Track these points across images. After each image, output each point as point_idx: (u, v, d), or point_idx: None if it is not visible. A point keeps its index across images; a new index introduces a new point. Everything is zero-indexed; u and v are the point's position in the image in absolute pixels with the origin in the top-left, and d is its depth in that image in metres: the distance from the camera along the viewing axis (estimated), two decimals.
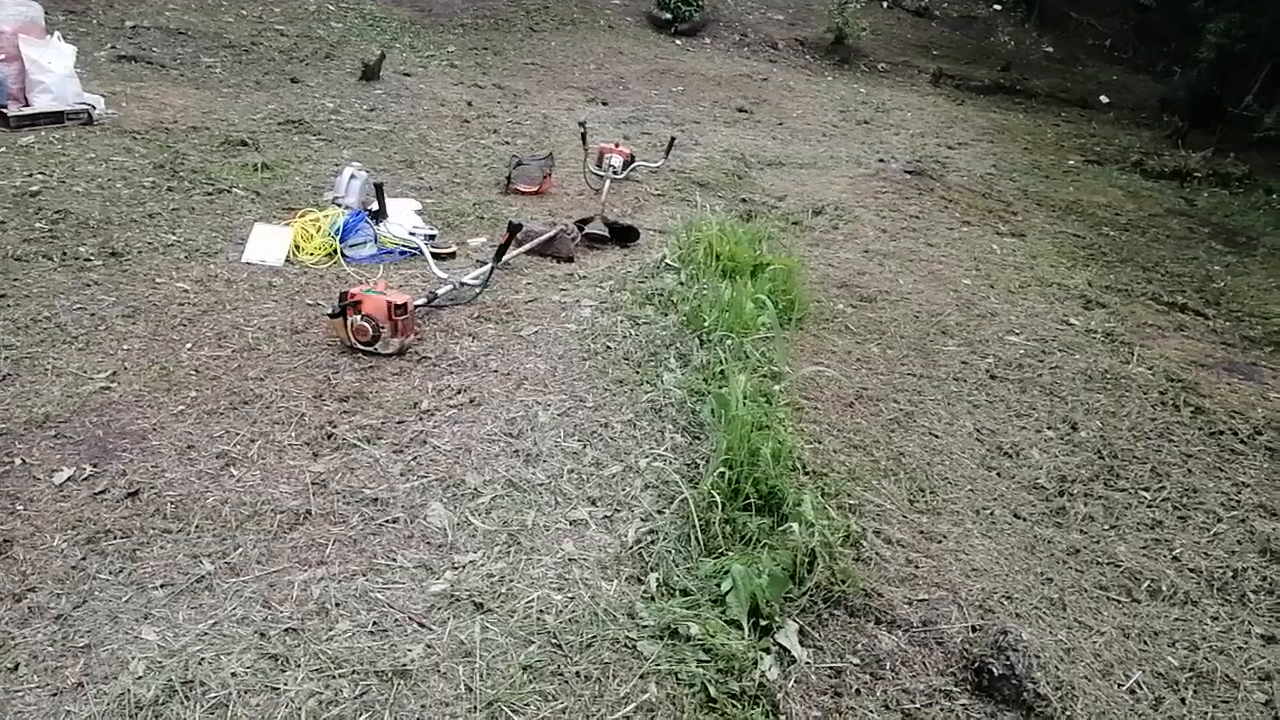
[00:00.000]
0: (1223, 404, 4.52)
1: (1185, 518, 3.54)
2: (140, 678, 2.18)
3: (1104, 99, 14.93)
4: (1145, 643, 2.84)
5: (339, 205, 5.19)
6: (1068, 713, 2.48)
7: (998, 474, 3.69)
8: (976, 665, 2.56)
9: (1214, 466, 3.94)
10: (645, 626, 2.53)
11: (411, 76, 9.64)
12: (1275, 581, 3.18)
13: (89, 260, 4.36)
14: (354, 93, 8.53)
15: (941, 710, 2.46)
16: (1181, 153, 11.26)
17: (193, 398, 3.40)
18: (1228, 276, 7.07)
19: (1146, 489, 3.70)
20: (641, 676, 2.37)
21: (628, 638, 2.48)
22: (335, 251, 4.81)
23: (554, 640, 2.45)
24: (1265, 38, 11.29)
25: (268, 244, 4.68)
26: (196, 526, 2.74)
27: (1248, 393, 4.74)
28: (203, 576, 2.54)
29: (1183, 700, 2.63)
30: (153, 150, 5.93)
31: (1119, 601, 3.02)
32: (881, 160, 9.17)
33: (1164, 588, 3.10)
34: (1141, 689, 2.64)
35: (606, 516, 2.99)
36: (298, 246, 4.78)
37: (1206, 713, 2.59)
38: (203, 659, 2.25)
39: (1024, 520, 3.40)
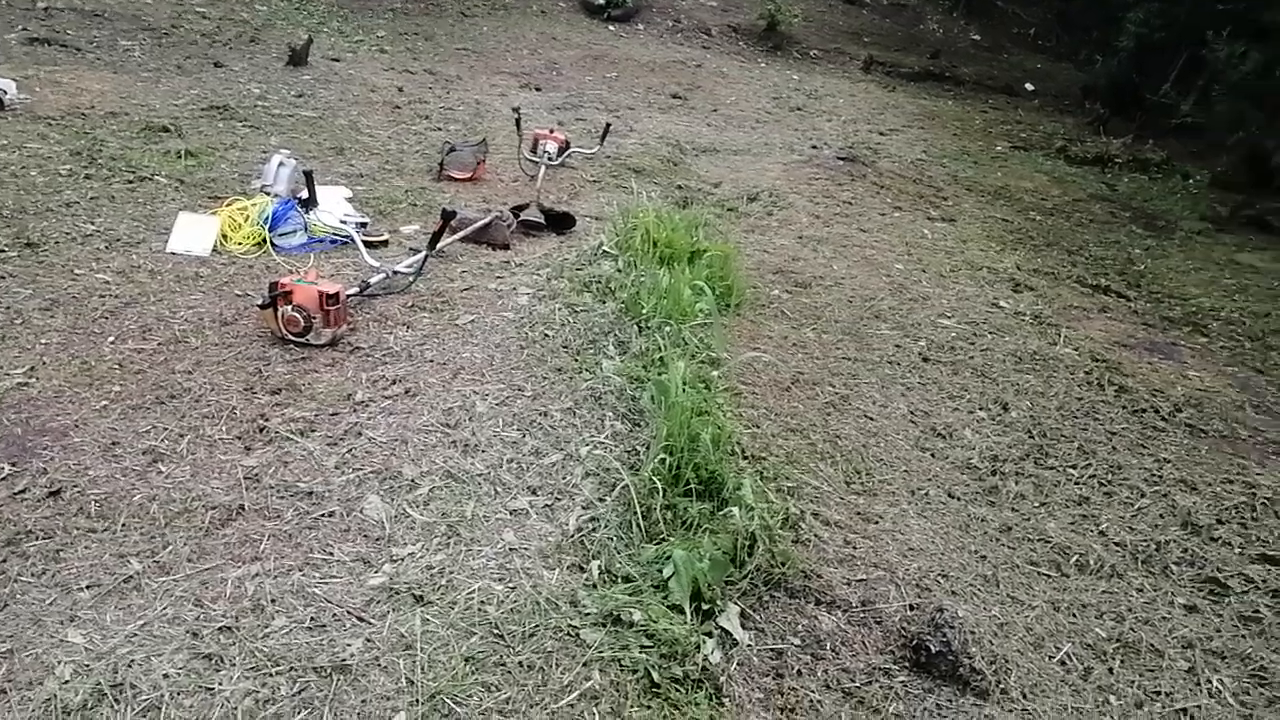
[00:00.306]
0: (1144, 383, 4.66)
1: (1111, 493, 3.65)
2: (67, 682, 2.11)
3: (1029, 86, 15.24)
4: (1074, 615, 2.92)
5: (267, 193, 5.07)
6: (1001, 685, 2.55)
7: (932, 455, 3.75)
8: (914, 643, 2.61)
9: (1137, 444, 4.06)
10: (588, 614, 2.52)
11: (340, 62, 9.45)
12: (1196, 553, 3.29)
13: (2, 251, 4.20)
14: (281, 78, 8.34)
15: (881, 688, 2.50)
16: (1103, 139, 11.57)
17: (116, 392, 3.30)
18: (1148, 259, 7.28)
19: (1074, 467, 3.80)
20: (585, 664, 2.36)
21: (570, 626, 2.47)
22: (264, 241, 4.70)
23: (496, 631, 2.43)
24: (1182, 27, 11.60)
25: (193, 233, 4.55)
26: (123, 525, 2.65)
27: (1168, 372, 4.89)
28: (131, 576, 2.47)
29: (1110, 670, 2.71)
30: (69, 137, 5.73)
31: (1049, 576, 3.10)
32: (814, 147, 9.25)
33: (1091, 562, 3.19)
34: (1071, 660, 2.72)
35: (547, 505, 2.98)
36: (225, 236, 4.65)
37: (1133, 681, 2.68)
38: (132, 661, 2.19)
39: (958, 500, 3.47)
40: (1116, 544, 3.32)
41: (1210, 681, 2.71)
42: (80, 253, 4.30)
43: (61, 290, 3.94)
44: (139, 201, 4.98)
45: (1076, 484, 3.68)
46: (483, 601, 2.52)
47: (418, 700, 2.18)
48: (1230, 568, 3.23)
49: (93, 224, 4.61)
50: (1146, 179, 10.33)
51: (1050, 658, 2.72)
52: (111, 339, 3.65)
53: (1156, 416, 4.33)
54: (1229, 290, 6.71)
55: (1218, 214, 8.84)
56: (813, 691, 2.46)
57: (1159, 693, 2.65)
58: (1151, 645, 2.82)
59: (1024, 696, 2.54)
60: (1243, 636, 2.92)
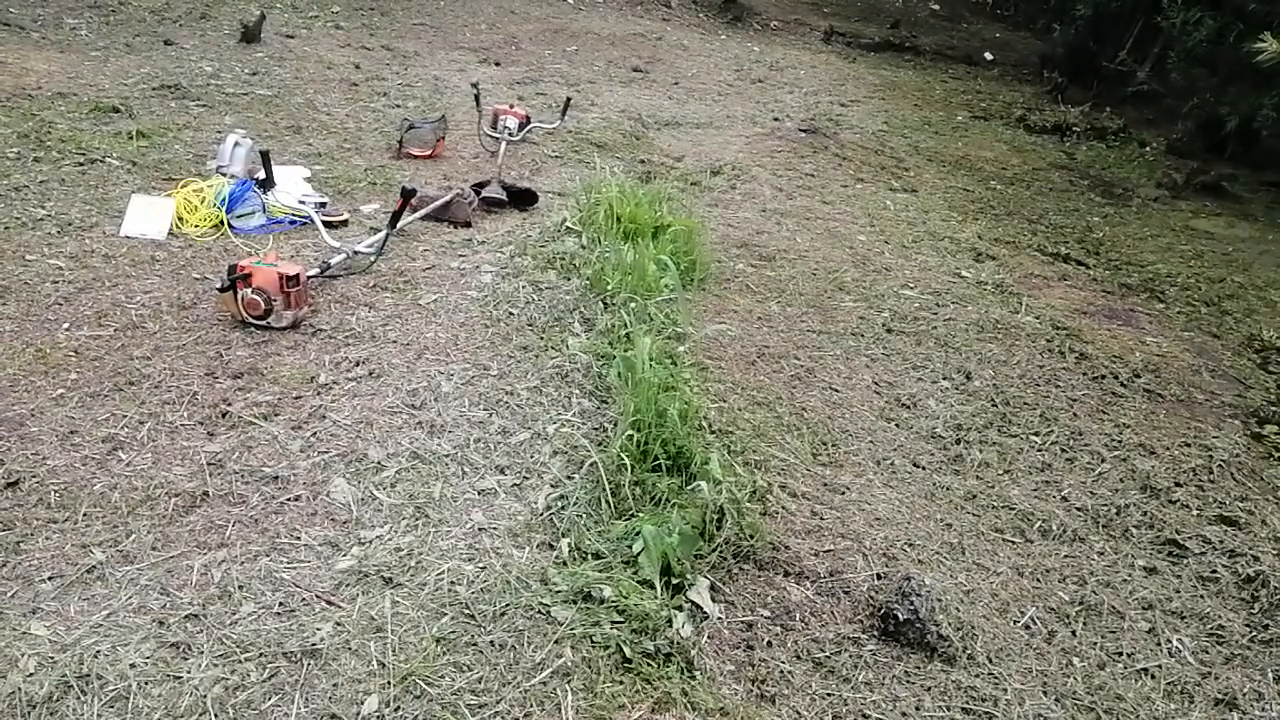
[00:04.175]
0: (1104, 349, 4.73)
1: (1072, 459, 3.70)
2: (31, 675, 2.08)
3: (988, 56, 15.31)
4: (1038, 580, 2.97)
5: (223, 174, 4.97)
6: (968, 651, 2.59)
7: (896, 425, 3.79)
8: (883, 612, 2.64)
9: (1097, 409, 4.12)
10: (558, 592, 2.53)
11: (294, 38, 9.28)
12: (1155, 516, 3.35)
13: None
14: (234, 55, 8.17)
15: (850, 657, 2.53)
16: (1061, 108, 11.65)
17: (73, 380, 3.24)
18: (1106, 227, 7.37)
19: (1036, 434, 3.86)
20: (556, 641, 2.37)
21: (541, 604, 2.48)
22: (221, 223, 4.62)
23: (467, 611, 2.43)
24: None
25: (148, 216, 4.46)
26: (84, 515, 2.62)
27: (1126, 338, 4.97)
28: (94, 566, 2.44)
29: (1073, 633, 2.76)
30: (15, 119, 5.58)
31: (1013, 542, 3.15)
32: (776, 119, 9.24)
33: (1054, 527, 3.24)
34: (1036, 624, 2.77)
35: (515, 484, 2.97)
36: (181, 218, 4.57)
37: (1095, 643, 2.73)
38: (99, 652, 2.16)
39: (923, 469, 3.50)
40: (1078, 509, 3.38)
41: (1170, 641, 2.78)
42: (31, 238, 4.20)
43: (13, 277, 3.85)
44: (90, 184, 4.87)
45: (1039, 451, 3.74)
46: (453, 582, 2.52)
47: (389, 682, 2.18)
48: (1188, 529, 3.30)
49: (43, 208, 4.51)
50: (1104, 147, 10.44)
51: (1015, 622, 2.76)
52: (66, 326, 3.58)
53: (1116, 382, 4.40)
54: (1185, 256, 6.82)
55: (1173, 181, 8.95)
56: (783, 662, 2.48)
57: (1120, 653, 2.70)
58: (1113, 607, 2.88)
59: (990, 661, 2.58)
60: (1201, 597, 2.99)
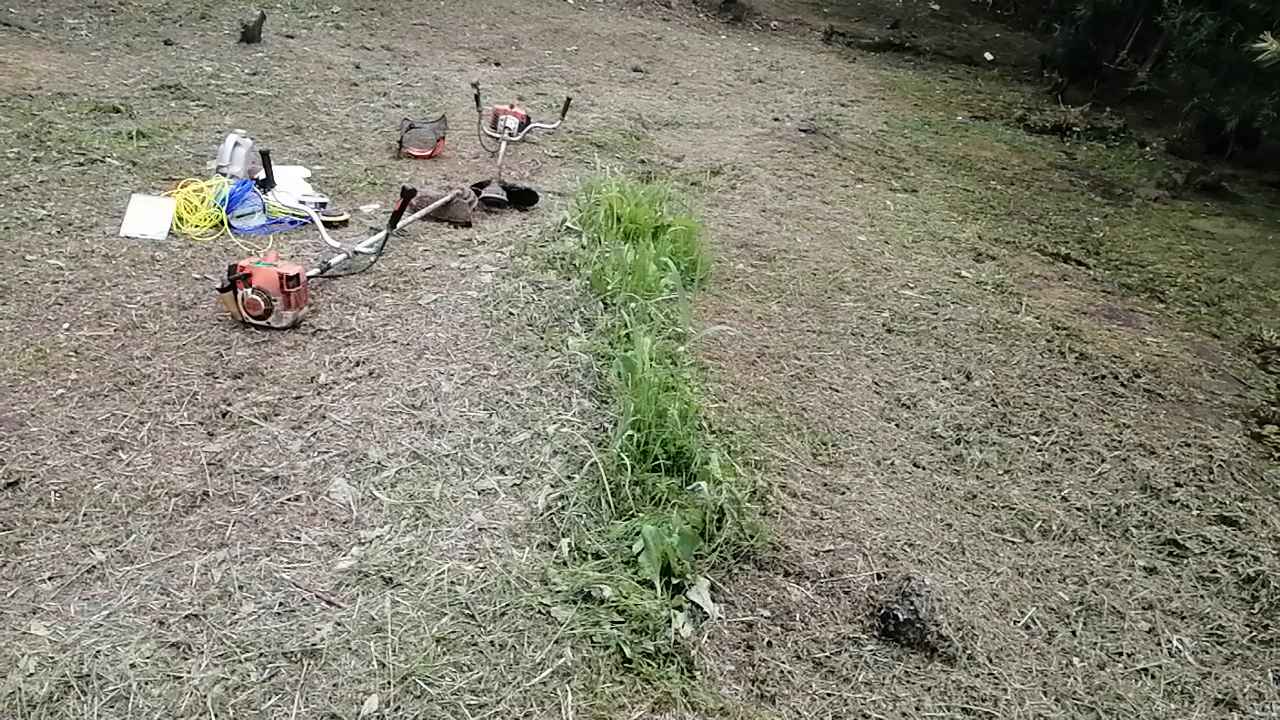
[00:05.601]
0: (1104, 350, 4.73)
1: (1072, 459, 3.70)
2: (31, 675, 2.08)
3: (988, 56, 15.31)
4: (1038, 580, 2.97)
5: (223, 174, 4.97)
6: (968, 651, 2.59)
7: (897, 425, 3.79)
8: (883, 612, 2.64)
9: (1097, 410, 4.12)
10: (558, 592, 2.53)
11: (295, 39, 9.28)
12: (1155, 516, 3.35)
13: None
14: (234, 55, 8.17)
15: (850, 657, 2.53)
16: (1061, 108, 11.64)
17: (73, 380, 3.24)
18: (1106, 227, 7.37)
19: (1036, 434, 3.85)
20: (556, 641, 2.37)
21: (541, 604, 2.48)
22: (222, 223, 4.62)
23: (467, 611, 2.43)
24: None
25: (148, 216, 4.46)
26: (85, 515, 2.61)
27: (1126, 338, 4.97)
28: (94, 566, 2.44)
29: (1073, 633, 2.76)
30: (16, 119, 5.58)
31: (1014, 543, 3.15)
32: (776, 119, 9.24)
33: (1054, 527, 3.24)
34: (1036, 624, 2.77)
35: (515, 484, 2.97)
36: (181, 218, 4.57)
37: (1095, 643, 2.73)
38: (99, 652, 2.16)
39: (923, 469, 3.50)
40: (1078, 509, 3.38)
41: (1170, 641, 2.78)
42: (31, 238, 4.20)
43: (13, 277, 3.85)
44: (90, 184, 4.87)
45: (1039, 451, 3.74)
46: (453, 582, 2.52)
47: (390, 682, 2.18)
48: (1188, 529, 3.30)
49: (43, 208, 4.51)
50: (1104, 147, 10.44)
51: (1015, 622, 2.76)
52: (66, 326, 3.58)
53: (1116, 382, 4.40)
54: (1185, 256, 6.82)
55: (1174, 181, 8.95)
56: (783, 662, 2.48)
57: (1121, 653, 2.70)
58: (1113, 607, 2.88)
59: (990, 661, 2.58)
60: (1201, 597, 2.99)
